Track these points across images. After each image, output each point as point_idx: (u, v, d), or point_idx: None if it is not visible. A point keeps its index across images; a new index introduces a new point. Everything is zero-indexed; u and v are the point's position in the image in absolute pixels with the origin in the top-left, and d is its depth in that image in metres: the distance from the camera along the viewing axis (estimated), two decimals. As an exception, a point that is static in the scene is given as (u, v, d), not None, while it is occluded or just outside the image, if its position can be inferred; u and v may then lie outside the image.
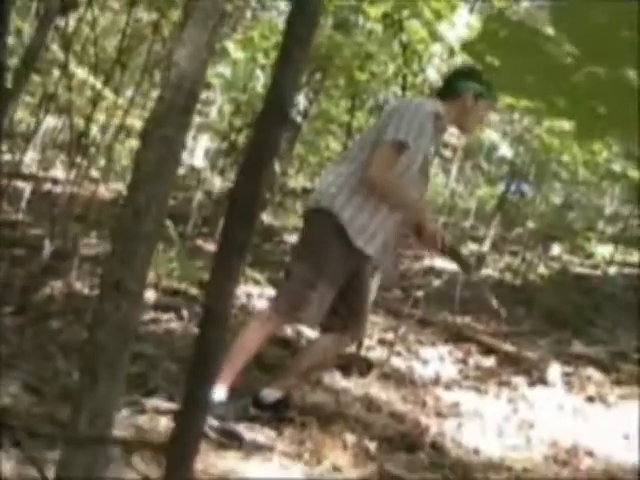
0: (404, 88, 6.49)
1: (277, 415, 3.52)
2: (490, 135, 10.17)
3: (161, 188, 0.99)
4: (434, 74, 6.65)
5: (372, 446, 3.35)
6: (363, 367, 4.64)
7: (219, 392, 3.32)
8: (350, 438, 3.33)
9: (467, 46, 1.14)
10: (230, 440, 3.18)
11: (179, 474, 0.92)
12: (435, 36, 6.38)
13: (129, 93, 9.93)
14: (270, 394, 3.56)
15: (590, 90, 1.11)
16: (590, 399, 4.72)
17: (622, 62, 1.08)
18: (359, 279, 3.66)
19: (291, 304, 3.50)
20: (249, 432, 3.32)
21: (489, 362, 5.42)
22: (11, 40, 8.42)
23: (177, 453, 0.92)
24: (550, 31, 1.07)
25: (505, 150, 10.63)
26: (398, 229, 3.64)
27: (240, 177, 0.86)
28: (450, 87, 3.68)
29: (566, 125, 8.06)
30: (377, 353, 5.13)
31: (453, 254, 3.67)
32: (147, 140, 1.01)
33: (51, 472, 2.36)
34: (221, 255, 0.87)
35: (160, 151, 0.99)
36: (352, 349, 4.48)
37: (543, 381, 4.92)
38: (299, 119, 11.05)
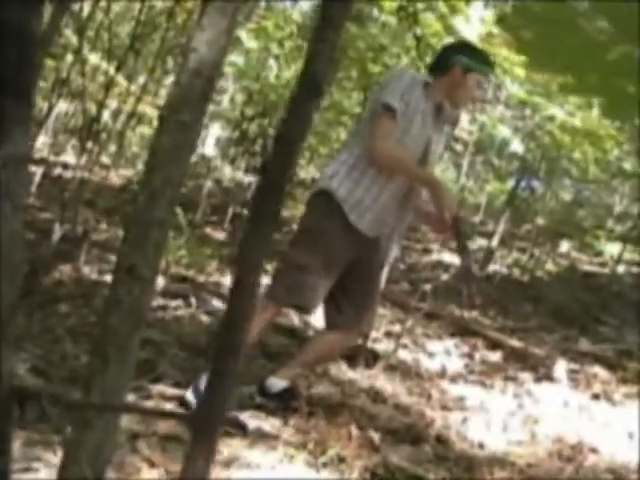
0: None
1: (283, 404, 3.51)
2: (501, 131, 10.15)
3: (176, 173, 0.99)
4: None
5: (377, 437, 3.35)
6: (369, 359, 4.64)
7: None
8: (355, 429, 3.34)
9: (502, 20, 1.14)
10: (234, 429, 3.18)
11: (203, 453, 0.92)
12: (450, 30, 6.36)
13: (142, 80, 9.94)
14: (276, 383, 3.55)
15: (623, 69, 1.11)
16: (595, 397, 4.72)
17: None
18: (364, 269, 3.60)
19: (287, 289, 3.46)
20: (254, 420, 3.33)
21: (495, 357, 5.42)
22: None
23: (202, 430, 0.92)
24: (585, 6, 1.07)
25: (516, 146, 10.60)
26: (398, 205, 3.55)
27: (274, 150, 0.87)
28: (439, 62, 3.64)
29: (577, 122, 8.03)
30: (384, 345, 5.13)
31: (458, 234, 3.56)
32: (163, 125, 1.01)
33: (59, 454, 2.38)
34: (252, 226, 0.87)
35: (176, 137, 1.00)
36: (359, 340, 4.48)
37: (549, 377, 4.92)
38: (311, 110, 11.00)
